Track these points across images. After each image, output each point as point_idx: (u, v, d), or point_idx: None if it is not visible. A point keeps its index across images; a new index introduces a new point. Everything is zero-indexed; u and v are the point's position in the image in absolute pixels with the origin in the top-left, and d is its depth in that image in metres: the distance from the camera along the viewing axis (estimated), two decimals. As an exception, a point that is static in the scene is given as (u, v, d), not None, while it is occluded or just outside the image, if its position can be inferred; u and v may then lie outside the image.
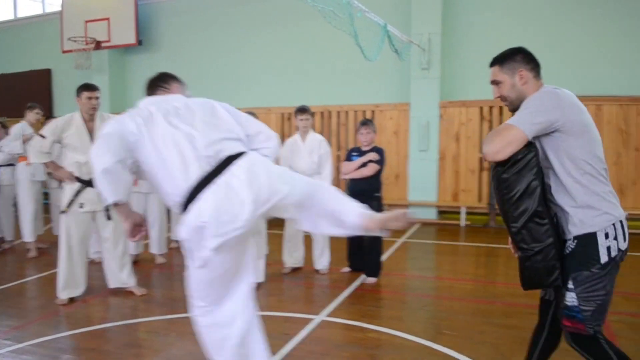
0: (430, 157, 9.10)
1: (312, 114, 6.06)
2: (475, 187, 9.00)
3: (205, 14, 11.05)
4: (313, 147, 5.93)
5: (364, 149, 5.71)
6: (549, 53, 8.61)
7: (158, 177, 2.59)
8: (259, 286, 5.50)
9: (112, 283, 5.35)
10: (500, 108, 8.78)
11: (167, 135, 2.57)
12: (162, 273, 6.28)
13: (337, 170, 9.19)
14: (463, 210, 8.82)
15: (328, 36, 9.61)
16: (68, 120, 5.04)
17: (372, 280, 5.63)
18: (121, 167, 2.52)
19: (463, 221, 8.81)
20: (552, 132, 2.41)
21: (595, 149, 2.46)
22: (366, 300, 5.10)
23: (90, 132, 5.04)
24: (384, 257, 6.54)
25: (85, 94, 5.02)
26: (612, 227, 2.44)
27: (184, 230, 2.49)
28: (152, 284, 5.82)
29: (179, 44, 11.33)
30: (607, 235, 2.43)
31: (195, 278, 2.65)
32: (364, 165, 5.59)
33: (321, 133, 9.82)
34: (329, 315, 4.68)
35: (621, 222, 2.47)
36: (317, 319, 4.57)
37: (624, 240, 2.47)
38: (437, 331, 4.26)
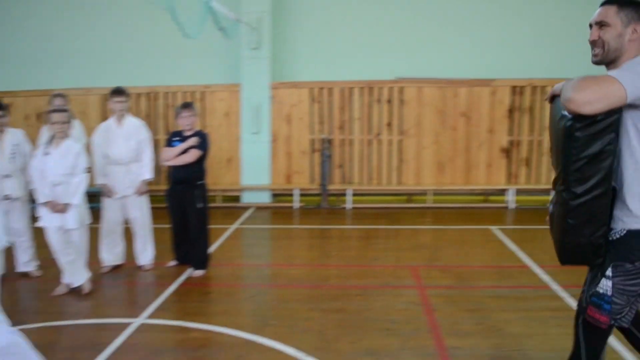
0: (263, 140, 8.94)
1: (129, 96, 5.55)
2: (307, 168, 9.04)
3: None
4: (130, 132, 5.44)
5: (186, 133, 5.35)
6: (381, 36, 8.96)
7: None
8: (72, 290, 4.94)
9: None
10: (330, 90, 8.89)
11: None
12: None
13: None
14: (296, 192, 8.83)
15: (153, 11, 8.94)
16: None
17: (199, 273, 5.33)
18: None
19: (297, 203, 8.83)
20: None
21: None
22: (192, 296, 4.80)
23: None
24: (214, 246, 6.29)
25: None
26: None
27: None
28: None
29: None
30: None
31: None
32: (186, 151, 5.24)
33: (147, 116, 9.20)
34: (150, 316, 4.32)
35: None
36: (136, 322, 4.19)
37: None
38: (264, 323, 4.11)
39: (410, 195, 9.19)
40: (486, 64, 8.87)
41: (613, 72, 2.10)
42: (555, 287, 4.79)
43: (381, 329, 3.94)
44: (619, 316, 2.26)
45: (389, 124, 8.90)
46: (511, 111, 8.76)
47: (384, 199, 9.18)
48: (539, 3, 8.84)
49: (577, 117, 2.08)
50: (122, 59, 9.42)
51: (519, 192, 8.84)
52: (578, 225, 2.20)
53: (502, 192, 8.95)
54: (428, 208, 8.72)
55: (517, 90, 8.71)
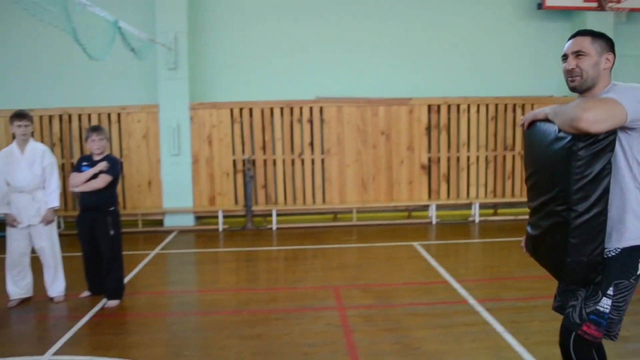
0: (184, 161, 8.73)
1: (32, 120, 5.25)
2: (230, 189, 8.90)
3: None
4: (34, 158, 5.15)
5: (95, 158, 5.13)
6: (301, 56, 9.02)
7: None
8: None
9: None
10: (251, 110, 8.82)
11: None
12: None
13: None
14: (220, 215, 8.66)
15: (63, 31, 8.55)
16: None
17: (113, 303, 5.08)
18: None
19: (221, 225, 8.65)
20: (632, 129, 2.23)
21: None
22: (104, 328, 4.55)
23: None
24: (132, 273, 6.05)
25: None
26: None
27: None
28: None
29: None
30: None
31: None
32: (95, 176, 5.02)
33: (60, 139, 8.79)
34: (57, 353, 4.05)
35: None
36: (40, 360, 3.92)
37: None
38: (178, 354, 3.96)
39: (335, 214, 9.23)
40: (403, 84, 9.10)
41: (612, 95, 2.21)
42: (472, 301, 4.90)
43: (299, 354, 3.88)
44: (613, 332, 2.35)
45: (311, 144, 8.93)
46: (429, 129, 9.02)
47: (309, 218, 9.16)
48: (452, 27, 9.20)
49: (579, 137, 2.18)
50: (33, 80, 8.94)
51: (440, 207, 9.08)
52: (580, 244, 2.27)
53: (424, 207, 9.16)
54: (353, 226, 8.78)
55: (433, 108, 8.98)
